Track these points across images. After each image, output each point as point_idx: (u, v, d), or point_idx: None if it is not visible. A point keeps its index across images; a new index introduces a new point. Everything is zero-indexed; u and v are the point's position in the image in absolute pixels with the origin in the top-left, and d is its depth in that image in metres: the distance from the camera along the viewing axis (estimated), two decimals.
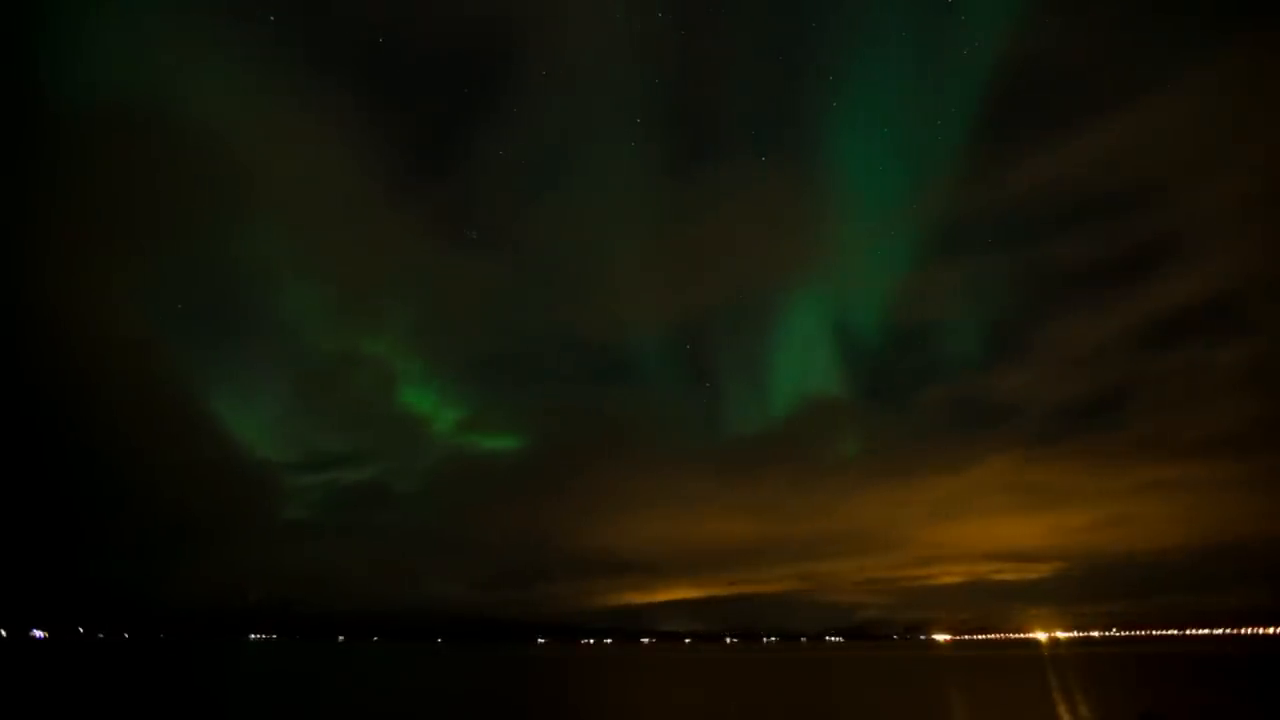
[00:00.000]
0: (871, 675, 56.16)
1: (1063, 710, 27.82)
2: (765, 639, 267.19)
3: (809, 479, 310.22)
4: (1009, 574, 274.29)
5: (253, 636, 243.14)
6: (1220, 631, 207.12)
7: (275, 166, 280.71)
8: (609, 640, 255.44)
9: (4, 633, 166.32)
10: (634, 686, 46.43)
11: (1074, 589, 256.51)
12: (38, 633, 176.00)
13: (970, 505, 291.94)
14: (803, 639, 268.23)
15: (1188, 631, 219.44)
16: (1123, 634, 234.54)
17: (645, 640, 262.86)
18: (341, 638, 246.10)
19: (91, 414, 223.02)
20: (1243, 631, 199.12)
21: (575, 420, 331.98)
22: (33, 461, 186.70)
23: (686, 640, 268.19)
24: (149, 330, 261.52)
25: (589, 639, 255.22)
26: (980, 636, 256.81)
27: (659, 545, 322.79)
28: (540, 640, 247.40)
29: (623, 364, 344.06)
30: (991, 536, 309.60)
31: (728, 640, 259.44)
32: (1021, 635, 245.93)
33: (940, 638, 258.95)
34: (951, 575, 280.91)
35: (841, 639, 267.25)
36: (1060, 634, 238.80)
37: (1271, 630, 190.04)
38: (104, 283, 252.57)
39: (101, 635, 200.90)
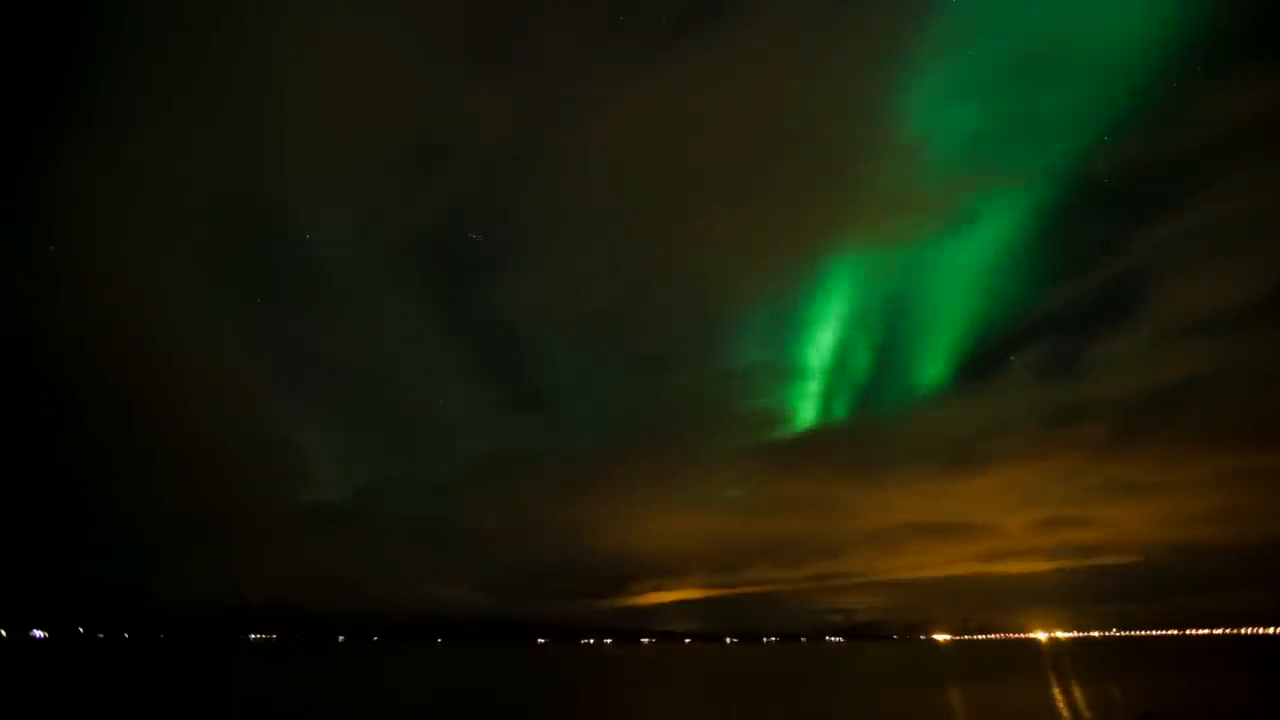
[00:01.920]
0: (872, 674, 56.06)
1: (1063, 709, 27.78)
2: (765, 639, 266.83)
3: (854, 474, 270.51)
4: (1043, 570, 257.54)
5: (253, 637, 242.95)
6: (1221, 631, 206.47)
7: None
8: (609, 640, 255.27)
9: (4, 633, 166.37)
10: (633, 686, 46.37)
11: (1129, 587, 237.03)
12: (38, 633, 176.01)
13: (1042, 495, 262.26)
14: (802, 639, 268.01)
15: (1188, 631, 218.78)
16: (1122, 634, 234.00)
17: (645, 640, 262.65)
18: (341, 638, 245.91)
19: (90, 409, 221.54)
20: (1243, 631, 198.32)
21: (627, 414, 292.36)
22: (32, 460, 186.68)
23: (686, 640, 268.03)
24: (150, 313, 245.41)
25: (589, 639, 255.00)
26: (981, 636, 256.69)
27: (673, 547, 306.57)
28: (540, 640, 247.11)
29: (686, 347, 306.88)
30: (1049, 530, 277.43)
31: (728, 640, 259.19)
32: (1022, 635, 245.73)
33: (940, 637, 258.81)
34: (969, 571, 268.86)
35: (842, 639, 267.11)
36: (1060, 634, 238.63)
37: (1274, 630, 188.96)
38: (96, 262, 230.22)
39: (101, 635, 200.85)
